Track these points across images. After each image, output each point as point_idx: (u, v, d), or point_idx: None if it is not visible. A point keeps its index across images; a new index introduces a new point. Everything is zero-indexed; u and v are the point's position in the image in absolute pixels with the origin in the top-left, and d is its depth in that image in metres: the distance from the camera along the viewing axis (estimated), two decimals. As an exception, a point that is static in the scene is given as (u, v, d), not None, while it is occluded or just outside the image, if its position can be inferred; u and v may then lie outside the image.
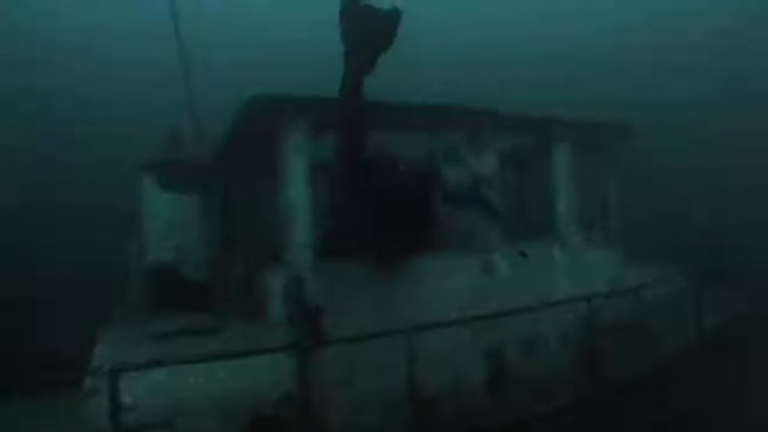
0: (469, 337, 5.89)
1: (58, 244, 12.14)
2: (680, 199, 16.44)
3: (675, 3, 24.03)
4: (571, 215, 7.11)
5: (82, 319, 6.33)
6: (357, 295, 5.40)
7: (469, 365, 5.89)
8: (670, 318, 7.35)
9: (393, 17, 5.25)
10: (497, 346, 6.08)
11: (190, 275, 6.51)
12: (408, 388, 4.59)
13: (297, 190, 5.28)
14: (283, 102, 5.16)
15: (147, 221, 6.48)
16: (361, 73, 5.20)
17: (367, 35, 5.19)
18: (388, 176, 5.96)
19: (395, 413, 5.21)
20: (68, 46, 18.19)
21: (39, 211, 13.04)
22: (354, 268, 5.46)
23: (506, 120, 6.42)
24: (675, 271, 7.93)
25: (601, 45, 23.46)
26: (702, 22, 23.10)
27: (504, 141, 6.61)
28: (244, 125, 5.58)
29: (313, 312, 5.21)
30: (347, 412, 5.15)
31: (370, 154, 5.92)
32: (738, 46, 21.98)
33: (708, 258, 8.74)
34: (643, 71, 22.22)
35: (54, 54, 17.58)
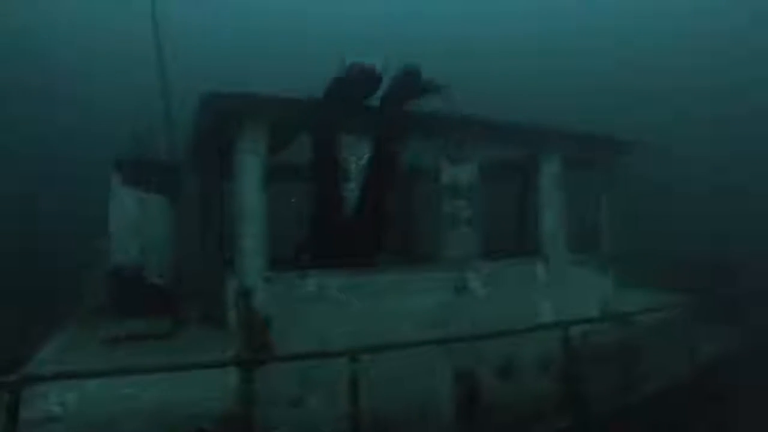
0: (438, 358, 5.51)
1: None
2: (684, 222, 15.63)
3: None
4: (558, 232, 6.65)
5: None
6: (313, 309, 5.08)
7: (437, 389, 5.50)
8: (661, 348, 6.82)
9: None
10: (468, 369, 5.67)
11: (153, 277, 6.27)
12: (351, 413, 4.21)
13: (249, 196, 4.98)
14: (237, 101, 4.88)
15: (112, 221, 6.27)
16: None
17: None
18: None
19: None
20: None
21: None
22: (311, 279, 5.12)
23: (488, 129, 6.04)
24: (672, 298, 7.39)
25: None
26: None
27: (486, 151, 6.20)
28: (201, 125, 5.34)
29: (260, 324, 4.91)
30: (294, 432, 4.83)
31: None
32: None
33: (713, 285, 8.16)
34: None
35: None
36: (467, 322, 5.72)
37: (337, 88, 5.49)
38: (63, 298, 6.89)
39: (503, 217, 8.82)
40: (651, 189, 16.27)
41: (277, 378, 4.81)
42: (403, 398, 5.24)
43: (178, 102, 6.52)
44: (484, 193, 9.38)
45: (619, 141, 7.28)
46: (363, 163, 5.91)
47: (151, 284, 6.25)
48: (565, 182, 6.82)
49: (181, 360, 4.48)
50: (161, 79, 6.48)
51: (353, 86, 5.44)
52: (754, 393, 7.62)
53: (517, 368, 5.98)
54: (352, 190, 5.92)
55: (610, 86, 19.75)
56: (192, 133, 5.95)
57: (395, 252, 8.79)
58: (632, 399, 6.13)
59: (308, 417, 4.86)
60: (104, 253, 6.35)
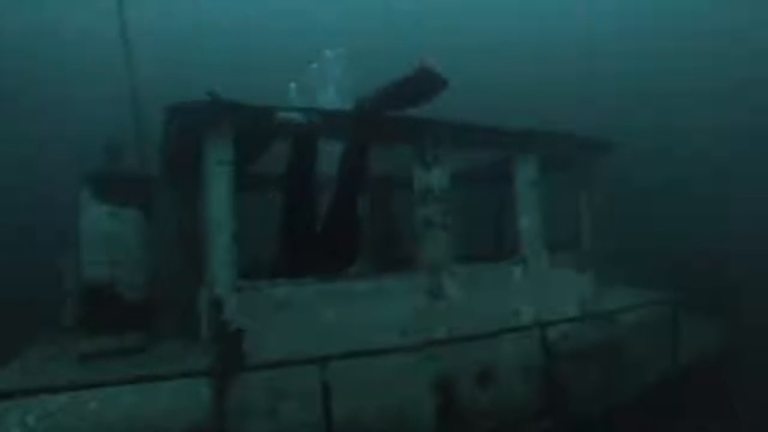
0: (413, 364, 5.45)
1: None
2: (676, 222, 15.64)
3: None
4: (536, 233, 6.61)
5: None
6: (285, 318, 5.00)
7: (413, 396, 5.43)
8: (643, 347, 6.80)
9: None
10: (445, 375, 5.61)
11: (126, 293, 6.16)
12: (324, 423, 4.14)
13: (218, 205, 4.91)
14: (204, 109, 4.82)
15: (83, 236, 6.16)
16: None
17: None
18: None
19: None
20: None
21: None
22: (283, 288, 5.05)
23: (462, 132, 6.01)
24: (657, 296, 7.38)
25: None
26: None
27: (459, 154, 6.16)
28: (169, 135, 5.27)
29: (232, 335, 4.82)
30: (267, 446, 4.74)
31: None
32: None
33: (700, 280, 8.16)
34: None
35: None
36: (444, 328, 5.67)
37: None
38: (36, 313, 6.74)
39: (483, 220, 8.82)
40: (644, 189, 16.32)
41: (249, 389, 4.74)
42: (379, 406, 5.19)
43: (152, 112, 6.44)
44: (463, 197, 9.44)
45: (597, 141, 7.28)
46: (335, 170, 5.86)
47: (123, 299, 6.14)
48: (543, 183, 6.80)
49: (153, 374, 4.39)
50: (131, 88, 6.40)
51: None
52: (741, 390, 7.62)
53: (496, 373, 5.93)
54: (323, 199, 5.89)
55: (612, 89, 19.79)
56: (162, 144, 5.88)
57: (376, 258, 8.76)
58: (614, 399, 6.09)
59: (282, 427, 4.79)
60: (68, 270, 6.25)
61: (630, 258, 8.56)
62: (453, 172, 6.06)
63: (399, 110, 5.68)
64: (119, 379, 4.24)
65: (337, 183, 5.75)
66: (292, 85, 5.88)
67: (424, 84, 5.61)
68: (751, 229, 14.46)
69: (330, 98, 6.18)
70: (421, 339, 5.45)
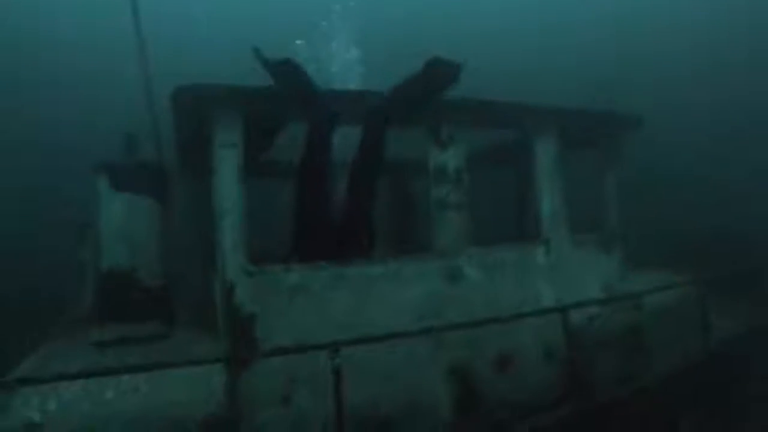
0: (431, 350, 5.32)
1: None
2: (696, 199, 15.01)
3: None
4: (558, 214, 6.36)
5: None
6: (298, 303, 4.92)
7: (430, 382, 5.31)
8: (672, 331, 6.50)
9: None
10: (464, 361, 5.46)
11: (144, 280, 6.19)
12: (335, 410, 4.05)
13: (227, 189, 4.85)
14: (211, 92, 4.75)
15: (101, 225, 6.21)
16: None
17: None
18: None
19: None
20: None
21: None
22: (296, 274, 4.97)
23: (476, 110, 5.80)
24: (685, 277, 7.05)
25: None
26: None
27: (475, 133, 5.96)
28: (177, 120, 5.22)
29: (244, 321, 4.77)
30: (283, 432, 4.69)
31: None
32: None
33: (729, 262, 7.77)
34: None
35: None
36: (462, 312, 5.51)
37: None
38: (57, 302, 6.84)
39: (504, 201, 8.58)
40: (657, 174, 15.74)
41: (263, 376, 4.69)
42: (395, 393, 5.08)
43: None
44: (484, 178, 9.21)
45: (620, 116, 6.95)
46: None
47: (141, 287, 6.17)
48: (566, 161, 6.54)
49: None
50: (144, 75, 6.36)
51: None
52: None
53: (517, 357, 5.75)
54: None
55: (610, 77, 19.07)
56: (174, 131, 5.85)
57: (396, 244, 8.62)
58: (638, 384, 5.84)
59: (297, 415, 4.73)
60: (90, 259, 6.31)
61: (650, 241, 8.21)
62: (473, 152, 5.87)
63: (419, 107, 5.53)
64: (129, 367, 4.24)
65: (354, 169, 5.60)
66: (299, 42, 5.75)
67: (436, 78, 5.42)
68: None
69: (342, 47, 5.98)
70: (437, 324, 5.32)
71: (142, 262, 6.24)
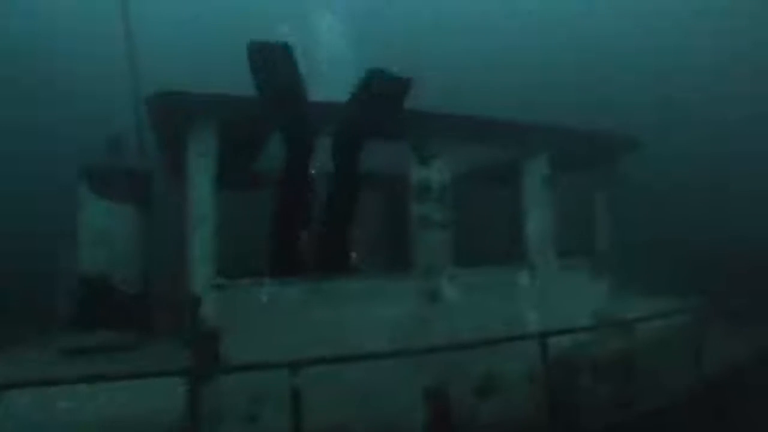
0: (406, 372, 5.13)
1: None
2: (694, 223, 14.69)
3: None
4: (545, 236, 6.18)
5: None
6: (269, 319, 4.77)
7: (405, 406, 5.12)
8: (664, 360, 6.26)
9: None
10: (440, 384, 5.27)
11: (122, 288, 6.08)
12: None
13: (200, 199, 4.73)
14: (185, 101, 4.65)
15: (81, 229, 6.12)
16: None
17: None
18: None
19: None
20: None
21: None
22: (267, 288, 4.82)
23: (463, 125, 5.65)
24: (679, 304, 6.81)
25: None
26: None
27: (461, 150, 5.80)
28: (154, 127, 5.13)
29: (209, 336, 4.62)
30: (246, 453, 4.52)
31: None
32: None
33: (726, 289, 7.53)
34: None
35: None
36: (440, 334, 5.32)
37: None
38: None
39: (491, 222, 8.40)
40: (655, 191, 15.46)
41: (229, 393, 4.53)
42: (368, 416, 4.90)
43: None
44: (471, 198, 9.03)
45: (615, 137, 6.78)
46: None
47: (118, 295, 6.07)
48: (556, 183, 6.37)
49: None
50: (132, 79, 6.31)
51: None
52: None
53: (498, 383, 5.55)
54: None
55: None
56: (156, 136, 5.76)
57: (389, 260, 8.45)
58: (629, 415, 5.61)
59: (261, 434, 4.56)
60: (69, 266, 6.22)
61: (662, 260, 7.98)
62: (472, 169, 5.71)
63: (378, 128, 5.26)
64: (85, 377, 4.10)
65: (332, 196, 5.44)
66: (284, 26, 5.55)
67: (383, 97, 5.09)
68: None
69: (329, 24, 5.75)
70: (415, 345, 5.14)
71: (120, 269, 6.14)
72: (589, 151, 6.80)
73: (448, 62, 18.82)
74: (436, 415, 5.24)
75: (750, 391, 6.57)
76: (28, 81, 14.53)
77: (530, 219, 6.12)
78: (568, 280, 6.31)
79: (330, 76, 5.83)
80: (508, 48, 21.12)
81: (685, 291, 7.25)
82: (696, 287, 7.17)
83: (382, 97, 4.96)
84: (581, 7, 23.08)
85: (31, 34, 15.62)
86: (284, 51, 4.74)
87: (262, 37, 4.79)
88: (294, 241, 5.24)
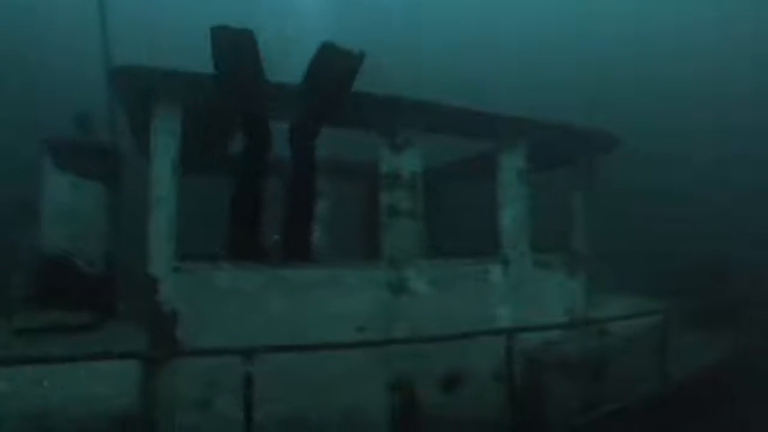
0: (369, 364, 5.03)
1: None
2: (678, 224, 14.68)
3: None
4: (520, 232, 6.07)
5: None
6: (227, 305, 4.63)
7: (369, 397, 5.02)
8: (633, 362, 6.21)
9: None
10: (404, 377, 5.17)
11: (84, 268, 5.90)
12: (245, 420, 3.76)
13: (161, 179, 4.57)
14: (149, 77, 4.48)
15: (43, 206, 5.93)
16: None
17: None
18: None
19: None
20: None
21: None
22: (227, 273, 4.68)
23: (438, 114, 5.51)
24: (655, 305, 6.76)
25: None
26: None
27: (435, 138, 5.67)
28: (116, 102, 4.95)
29: (166, 319, 4.49)
30: (198, 440, 4.40)
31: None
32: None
33: (706, 291, 7.49)
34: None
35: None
36: (406, 327, 5.22)
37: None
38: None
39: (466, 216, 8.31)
40: (640, 191, 15.43)
41: (183, 379, 4.41)
42: (328, 406, 4.80)
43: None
44: (449, 190, 8.93)
45: (595, 134, 6.66)
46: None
47: (80, 274, 5.89)
48: (531, 176, 6.25)
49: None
50: (103, 51, 6.06)
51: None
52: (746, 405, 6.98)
53: (465, 378, 5.47)
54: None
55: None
56: (123, 112, 5.57)
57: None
58: (594, 415, 5.55)
59: (216, 422, 4.44)
60: (31, 243, 6.05)
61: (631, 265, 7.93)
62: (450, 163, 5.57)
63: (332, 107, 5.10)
64: (30, 358, 3.96)
65: (292, 183, 5.29)
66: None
67: (333, 69, 4.89)
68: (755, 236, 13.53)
69: None
70: (378, 337, 5.04)
71: (84, 248, 5.96)
72: (567, 146, 6.69)
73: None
74: (401, 408, 5.15)
75: (715, 393, 6.55)
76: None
77: (505, 214, 6.01)
78: (542, 277, 6.22)
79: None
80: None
81: (658, 293, 7.22)
82: (669, 289, 7.14)
83: (332, 73, 4.82)
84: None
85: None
86: (247, 36, 4.60)
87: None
88: (252, 228, 5.10)
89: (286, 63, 5.75)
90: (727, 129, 18.10)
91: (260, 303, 4.72)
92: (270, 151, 5.02)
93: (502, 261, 5.93)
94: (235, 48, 4.51)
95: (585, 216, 6.73)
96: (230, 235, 5.02)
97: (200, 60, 4.60)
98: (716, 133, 18.00)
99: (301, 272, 4.87)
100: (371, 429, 4.99)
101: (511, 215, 6.01)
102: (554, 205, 6.99)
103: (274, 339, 4.56)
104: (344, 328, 4.94)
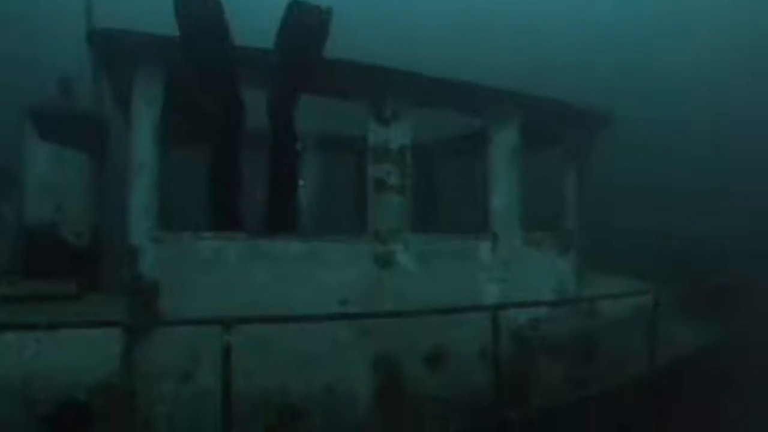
0: (353, 338, 5.00)
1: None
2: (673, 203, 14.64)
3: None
4: (510, 208, 5.99)
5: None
6: (209, 276, 4.57)
7: (351, 372, 4.99)
8: (622, 341, 6.19)
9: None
10: (389, 352, 5.14)
11: (68, 238, 5.83)
12: (222, 391, 3.71)
13: (142, 146, 4.47)
14: (129, 41, 4.35)
15: (25, 175, 5.83)
16: None
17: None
18: None
19: (244, 419, 4.40)
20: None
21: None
22: (209, 242, 4.60)
23: (428, 86, 5.39)
24: (647, 286, 6.72)
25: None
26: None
27: (421, 111, 5.56)
28: (97, 67, 4.82)
29: (146, 289, 4.43)
30: (180, 411, 4.37)
31: None
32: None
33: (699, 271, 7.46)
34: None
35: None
36: (393, 301, 5.17)
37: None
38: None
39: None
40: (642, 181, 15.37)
41: (163, 351, 4.37)
42: (309, 379, 4.77)
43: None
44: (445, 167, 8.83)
45: (589, 111, 6.55)
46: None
47: (62, 244, 5.82)
48: (523, 152, 6.15)
49: None
50: (87, 15, 5.89)
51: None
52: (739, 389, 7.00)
53: (451, 354, 5.44)
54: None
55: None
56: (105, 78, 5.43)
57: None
58: (581, 394, 5.54)
59: (196, 394, 4.40)
60: (12, 214, 5.97)
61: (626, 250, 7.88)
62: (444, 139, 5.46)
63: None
64: (10, 325, 3.91)
65: (272, 154, 5.18)
66: None
67: (303, 26, 4.80)
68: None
69: None
70: (362, 310, 4.99)
71: (66, 217, 5.88)
72: (561, 123, 6.57)
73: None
74: (383, 384, 5.12)
75: (698, 378, 6.56)
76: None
77: (495, 189, 5.92)
78: (532, 254, 6.16)
79: None
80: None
81: (648, 276, 7.18)
82: (660, 273, 7.11)
83: (302, 30, 4.71)
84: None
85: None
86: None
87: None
88: (229, 200, 5.01)
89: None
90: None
91: (242, 274, 4.66)
92: (243, 119, 4.91)
93: (491, 238, 5.85)
94: (199, 10, 4.39)
95: (575, 194, 6.64)
96: (209, 207, 4.94)
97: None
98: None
99: (284, 244, 4.80)
100: (353, 404, 4.96)
101: (502, 192, 5.92)
102: (546, 183, 6.90)
103: (256, 310, 4.51)
104: (327, 301, 4.89)
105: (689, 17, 21.04)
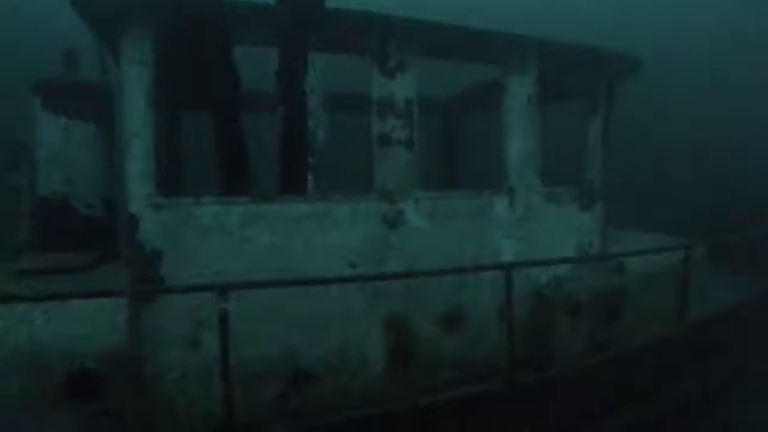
0: (362, 300, 4.87)
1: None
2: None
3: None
4: (528, 162, 5.66)
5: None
6: (211, 242, 4.47)
7: (362, 335, 4.88)
8: (650, 300, 5.87)
9: None
10: (403, 315, 4.99)
11: (81, 210, 5.86)
12: (220, 358, 3.64)
13: (135, 111, 4.34)
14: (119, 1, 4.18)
15: (36, 149, 5.85)
16: None
17: None
18: None
19: (252, 385, 4.37)
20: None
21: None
22: (210, 208, 4.49)
23: (436, 35, 5.06)
24: (676, 241, 6.32)
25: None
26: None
27: (433, 61, 5.24)
28: (90, 31, 4.67)
29: (148, 257, 4.36)
30: (188, 378, 4.36)
31: None
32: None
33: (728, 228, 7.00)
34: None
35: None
36: (403, 262, 4.99)
37: None
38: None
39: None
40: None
41: (171, 317, 4.33)
42: (318, 343, 4.68)
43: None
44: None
45: (615, 56, 6.06)
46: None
47: (78, 216, 5.86)
48: (541, 102, 5.77)
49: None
50: None
51: None
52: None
53: (466, 316, 5.25)
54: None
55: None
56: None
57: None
58: (605, 356, 5.29)
59: (205, 361, 4.36)
60: (23, 187, 6.01)
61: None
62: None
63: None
64: (20, 297, 3.93)
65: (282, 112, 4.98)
66: None
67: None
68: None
69: None
70: (372, 272, 4.83)
71: (79, 190, 5.90)
72: (584, 69, 6.12)
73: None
74: (395, 347, 4.99)
75: (732, 333, 6.17)
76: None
77: (512, 142, 5.59)
78: (553, 210, 5.84)
79: None
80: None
81: (681, 231, 6.77)
82: (693, 228, 6.70)
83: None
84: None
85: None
86: None
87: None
88: (236, 164, 4.88)
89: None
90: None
91: (246, 239, 4.54)
92: (239, 82, 4.72)
93: (507, 193, 5.56)
94: None
95: (600, 145, 6.22)
96: (217, 172, 4.83)
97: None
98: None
99: (289, 206, 4.64)
100: (365, 367, 4.86)
101: (519, 144, 5.59)
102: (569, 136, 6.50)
103: (262, 275, 4.42)
104: (335, 264, 4.75)
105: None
